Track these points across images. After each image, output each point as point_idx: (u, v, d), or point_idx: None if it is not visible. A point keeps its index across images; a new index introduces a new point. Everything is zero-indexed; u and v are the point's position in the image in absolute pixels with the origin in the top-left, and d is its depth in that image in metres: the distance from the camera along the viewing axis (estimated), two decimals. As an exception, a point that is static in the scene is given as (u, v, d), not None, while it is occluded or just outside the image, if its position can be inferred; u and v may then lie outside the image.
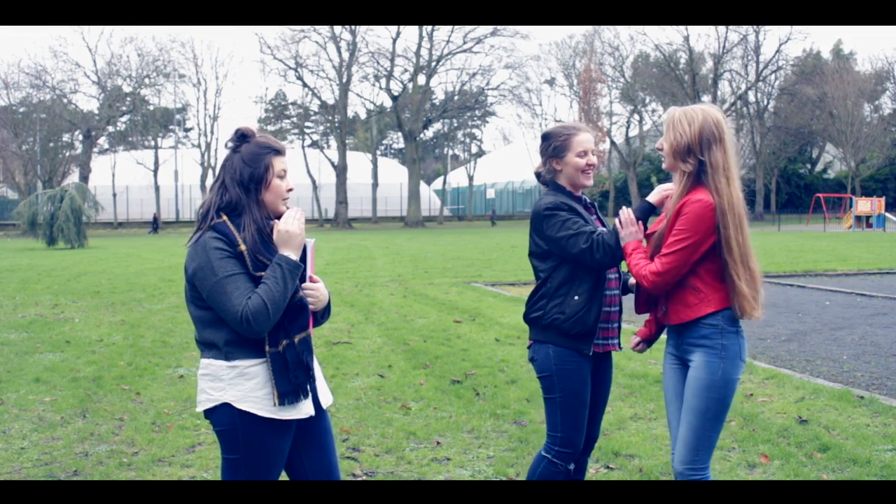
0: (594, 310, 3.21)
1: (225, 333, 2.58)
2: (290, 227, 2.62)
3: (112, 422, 5.53)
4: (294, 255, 2.60)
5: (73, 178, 50.06)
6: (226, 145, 2.73)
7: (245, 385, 2.58)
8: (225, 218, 2.61)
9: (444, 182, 70.52)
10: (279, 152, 2.69)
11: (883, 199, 40.39)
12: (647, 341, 3.34)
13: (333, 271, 17.34)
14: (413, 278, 15.65)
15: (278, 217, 2.69)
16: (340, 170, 53.59)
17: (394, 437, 5.10)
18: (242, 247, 2.56)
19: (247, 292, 2.51)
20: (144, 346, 8.32)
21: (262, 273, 2.56)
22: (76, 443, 5.06)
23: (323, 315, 2.83)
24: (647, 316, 3.33)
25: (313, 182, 55.66)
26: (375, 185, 57.81)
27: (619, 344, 3.38)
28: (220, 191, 2.66)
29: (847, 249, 22.31)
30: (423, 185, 61.38)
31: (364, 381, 6.70)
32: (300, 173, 55.18)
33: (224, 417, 2.60)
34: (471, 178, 65.14)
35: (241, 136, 2.69)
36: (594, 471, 4.46)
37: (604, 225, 3.37)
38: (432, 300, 11.87)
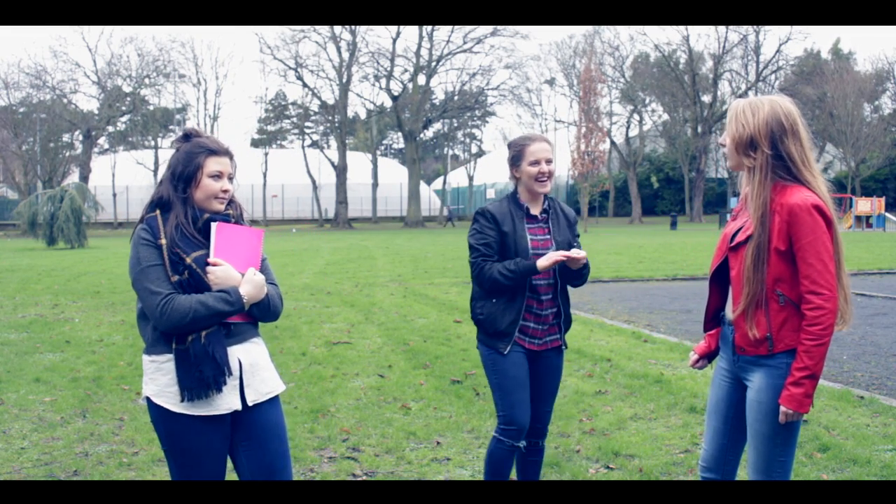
0: (509, 314, 3.50)
1: (150, 327, 2.68)
2: (257, 280, 2.71)
3: (112, 422, 5.53)
4: (248, 300, 2.68)
5: (73, 178, 50.00)
6: (171, 144, 2.85)
7: (161, 380, 2.68)
8: (157, 213, 2.72)
9: (444, 182, 70.49)
10: (214, 152, 2.74)
11: (883, 199, 40.42)
12: (708, 357, 3.13)
13: (333, 271, 17.33)
14: (413, 278, 15.64)
15: (213, 214, 2.73)
16: (340, 170, 53.57)
17: (394, 437, 5.10)
18: (162, 241, 2.65)
19: (165, 283, 2.60)
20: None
21: (178, 276, 2.61)
22: (76, 443, 5.06)
23: (261, 308, 2.77)
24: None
25: (313, 182, 55.63)
26: (375, 185, 57.79)
27: (564, 342, 3.67)
28: (158, 187, 2.77)
29: (847, 249, 22.10)
30: (423, 185, 61.34)
31: (364, 381, 6.70)
32: (300, 173, 55.16)
33: (150, 411, 2.75)
34: (471, 178, 65.10)
35: (185, 136, 2.80)
36: (594, 471, 4.46)
37: (550, 234, 3.56)
38: (432, 300, 11.86)
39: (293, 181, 57.87)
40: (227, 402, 2.70)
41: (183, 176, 2.71)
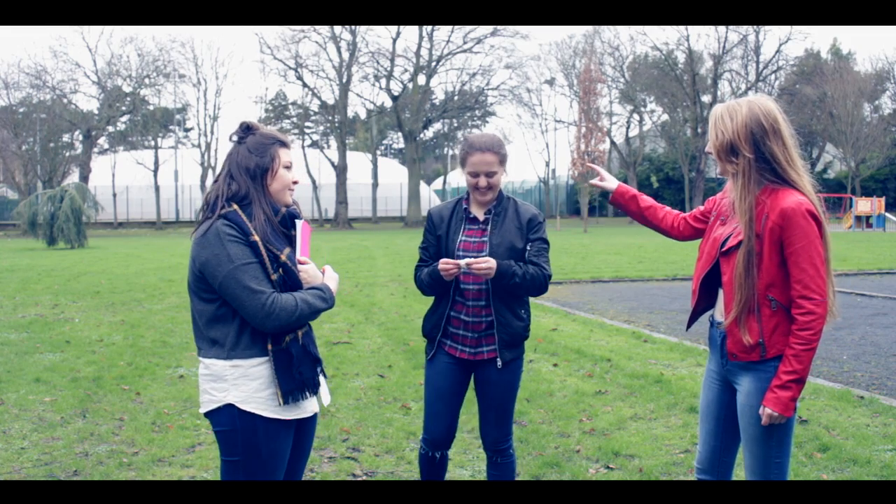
0: (431, 319, 3.50)
1: (232, 329, 2.54)
2: (336, 276, 2.79)
3: (112, 422, 5.53)
4: (334, 292, 2.71)
5: (73, 178, 49.97)
6: (230, 138, 2.74)
7: (249, 385, 2.54)
8: (236, 207, 2.59)
9: (444, 182, 70.53)
10: (284, 144, 2.72)
11: (883, 199, 40.36)
12: (614, 195, 3.28)
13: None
14: (413, 278, 15.63)
15: (285, 206, 2.71)
16: (340, 170, 53.57)
17: (394, 437, 5.10)
18: (255, 237, 2.54)
19: (266, 281, 2.51)
20: (144, 346, 8.32)
21: (275, 274, 2.56)
22: (76, 443, 5.06)
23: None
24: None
25: (313, 182, 55.62)
26: (375, 185, 57.79)
27: (499, 356, 3.38)
28: (228, 181, 2.64)
29: (847, 249, 22.30)
30: (423, 185, 61.32)
31: (364, 381, 6.70)
32: (300, 173, 54.84)
33: (225, 418, 2.56)
34: (471, 178, 65.04)
35: (247, 129, 2.71)
36: (594, 471, 4.46)
37: (486, 236, 3.39)
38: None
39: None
40: (312, 404, 2.67)
41: (260, 167, 2.63)
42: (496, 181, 3.35)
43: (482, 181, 3.32)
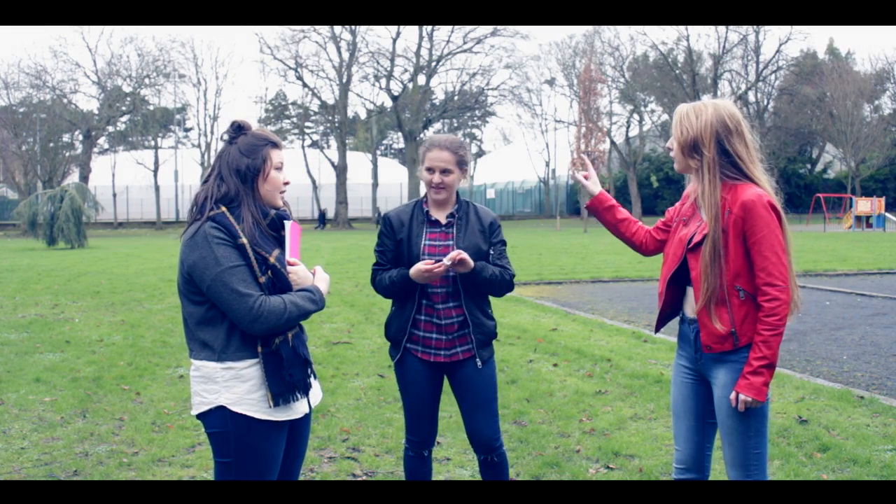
0: (396, 322, 3.43)
1: (221, 332, 2.53)
2: (328, 277, 2.74)
3: (112, 422, 5.53)
4: (324, 294, 2.67)
5: (73, 178, 50.04)
6: (221, 137, 2.71)
7: (240, 387, 2.53)
8: (224, 209, 2.56)
9: (444, 182, 70.55)
10: (276, 145, 2.68)
11: (883, 199, 40.38)
12: (593, 200, 3.26)
13: (333, 271, 17.32)
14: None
15: (276, 209, 2.68)
16: (340, 170, 53.61)
17: (394, 437, 5.10)
18: (243, 240, 2.51)
19: (254, 284, 2.49)
20: (144, 346, 8.32)
21: (263, 276, 2.53)
22: (76, 443, 5.06)
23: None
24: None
25: (313, 182, 55.66)
26: (375, 185, 57.85)
27: (476, 356, 3.37)
28: (217, 182, 2.61)
29: (847, 249, 22.30)
30: (423, 185, 61.27)
31: (364, 381, 6.71)
32: (300, 173, 55.15)
33: (217, 420, 2.56)
34: (471, 178, 65.17)
35: (238, 128, 2.67)
36: (594, 471, 4.46)
37: (452, 240, 3.37)
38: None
39: (293, 181, 57.59)
40: (302, 405, 2.66)
41: (251, 169, 2.59)
42: (451, 181, 3.38)
43: (436, 178, 3.36)
